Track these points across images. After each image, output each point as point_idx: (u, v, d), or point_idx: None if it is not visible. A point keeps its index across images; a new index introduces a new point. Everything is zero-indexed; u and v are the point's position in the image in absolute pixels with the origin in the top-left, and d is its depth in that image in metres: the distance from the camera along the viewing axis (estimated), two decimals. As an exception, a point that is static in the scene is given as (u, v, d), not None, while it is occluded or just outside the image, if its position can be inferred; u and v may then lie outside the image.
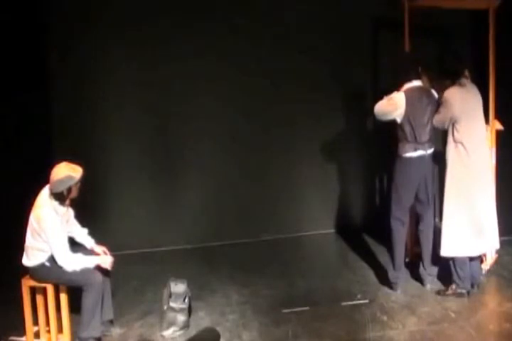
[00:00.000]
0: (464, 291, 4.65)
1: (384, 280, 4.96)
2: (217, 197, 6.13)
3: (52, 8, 5.64)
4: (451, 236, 4.58)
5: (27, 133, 5.49)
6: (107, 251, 4.33)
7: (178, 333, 4.31)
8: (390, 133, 4.78)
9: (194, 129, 5.97)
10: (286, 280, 5.18)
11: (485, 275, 5.01)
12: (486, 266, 5.11)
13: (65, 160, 4.09)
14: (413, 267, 5.09)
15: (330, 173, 6.29)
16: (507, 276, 5.07)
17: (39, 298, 4.20)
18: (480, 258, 4.86)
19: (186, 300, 4.41)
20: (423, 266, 4.89)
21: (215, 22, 5.82)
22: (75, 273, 3.99)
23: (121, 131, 5.90)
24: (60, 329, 4.22)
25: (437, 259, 4.77)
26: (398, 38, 5.23)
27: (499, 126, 5.08)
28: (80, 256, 4.06)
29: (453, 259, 4.62)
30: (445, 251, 4.61)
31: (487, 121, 4.88)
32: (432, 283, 4.88)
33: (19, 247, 4.14)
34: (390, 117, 4.63)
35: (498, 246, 4.81)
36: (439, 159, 4.70)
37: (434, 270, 4.91)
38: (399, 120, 4.61)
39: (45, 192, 4.05)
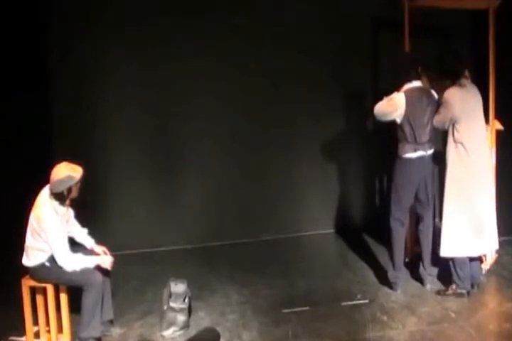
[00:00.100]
0: (464, 291, 4.65)
1: (384, 280, 4.96)
2: (217, 197, 6.13)
3: (52, 8, 5.64)
4: (451, 237, 4.58)
5: (27, 133, 5.49)
6: (107, 251, 4.33)
7: (178, 333, 4.31)
8: (390, 133, 4.78)
9: (194, 129, 5.97)
10: (286, 280, 5.18)
11: (485, 275, 5.01)
12: (486, 266, 5.11)
13: (65, 160, 4.09)
14: (413, 267, 5.09)
15: (330, 173, 6.29)
16: (507, 276, 5.07)
17: (39, 298, 4.20)
18: (480, 258, 4.85)
19: (186, 300, 4.41)
20: (423, 266, 4.89)
21: (215, 22, 5.82)
22: (75, 273, 3.99)
23: (121, 131, 5.90)
24: (60, 329, 4.22)
25: (437, 259, 4.77)
26: (398, 38, 5.23)
27: (499, 126, 5.08)
28: (79, 256, 4.06)
29: (453, 259, 4.62)
30: (445, 252, 4.61)
31: (487, 121, 4.88)
32: (431, 283, 4.89)
33: (19, 247, 4.14)
34: (389, 118, 4.63)
35: (497, 246, 4.81)
36: (439, 159, 4.70)
37: (434, 270, 4.91)
38: (399, 120, 4.60)
39: (45, 192, 4.05)
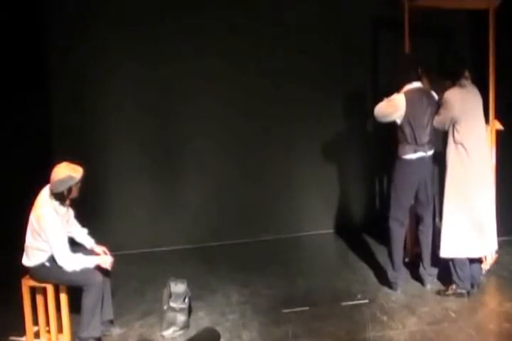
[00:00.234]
0: (463, 291, 4.66)
1: (384, 280, 4.96)
2: (217, 197, 6.13)
3: (52, 8, 5.63)
4: (451, 237, 4.58)
5: (27, 133, 5.49)
6: (107, 251, 4.33)
7: (178, 333, 4.31)
8: (390, 133, 4.78)
9: (194, 129, 5.97)
10: (286, 280, 5.18)
11: (485, 276, 5.01)
12: (486, 266, 5.11)
13: (65, 160, 4.09)
14: (413, 267, 5.09)
15: (330, 173, 6.29)
16: (507, 276, 5.08)
17: (39, 298, 4.20)
18: (480, 259, 4.85)
19: (186, 300, 4.41)
20: (423, 266, 4.89)
21: (215, 22, 5.82)
22: (74, 273, 3.99)
23: (121, 131, 5.90)
24: (60, 329, 4.22)
25: (437, 259, 4.77)
26: (398, 38, 5.23)
27: (499, 126, 5.08)
28: (80, 256, 4.06)
29: (453, 260, 4.62)
30: (445, 252, 4.61)
31: (487, 121, 4.88)
32: (432, 283, 4.89)
33: (19, 247, 4.14)
34: (390, 119, 4.63)
35: (496, 247, 4.81)
36: (439, 160, 4.70)
37: (434, 270, 4.91)
38: (399, 121, 4.60)
39: (45, 192, 4.05)
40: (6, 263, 4.62)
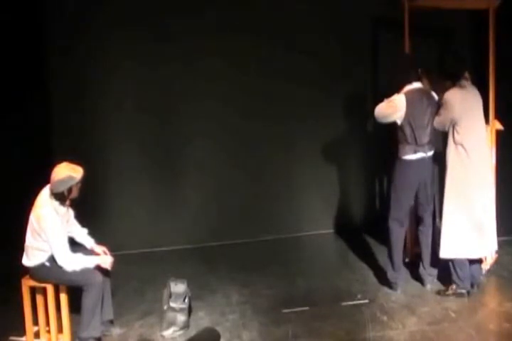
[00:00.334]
0: (463, 291, 4.66)
1: (384, 280, 4.96)
2: (217, 197, 6.13)
3: (52, 8, 5.63)
4: (451, 238, 4.58)
5: (27, 133, 5.49)
6: (107, 251, 4.33)
7: (178, 333, 4.31)
8: (390, 133, 4.77)
9: (194, 129, 5.97)
10: (286, 280, 5.18)
11: (485, 276, 5.01)
12: (486, 266, 5.11)
13: (65, 160, 4.09)
14: (413, 267, 5.09)
15: (330, 173, 6.29)
16: (507, 276, 5.08)
17: (39, 298, 4.20)
18: (480, 259, 4.85)
19: (186, 300, 4.41)
20: (423, 266, 4.89)
21: (215, 22, 5.82)
22: (74, 273, 3.99)
23: (121, 131, 5.90)
24: (60, 329, 4.22)
25: (437, 259, 4.77)
26: (398, 38, 5.23)
27: (499, 126, 5.08)
28: (79, 256, 4.06)
29: (452, 260, 4.62)
30: (444, 253, 4.61)
31: (487, 121, 4.88)
32: (432, 283, 4.89)
33: (19, 247, 4.14)
34: (390, 119, 4.62)
35: (496, 247, 4.81)
36: (439, 160, 4.70)
37: (434, 270, 4.91)
38: (399, 122, 4.60)
39: (45, 192, 4.05)
40: (6, 263, 4.61)
